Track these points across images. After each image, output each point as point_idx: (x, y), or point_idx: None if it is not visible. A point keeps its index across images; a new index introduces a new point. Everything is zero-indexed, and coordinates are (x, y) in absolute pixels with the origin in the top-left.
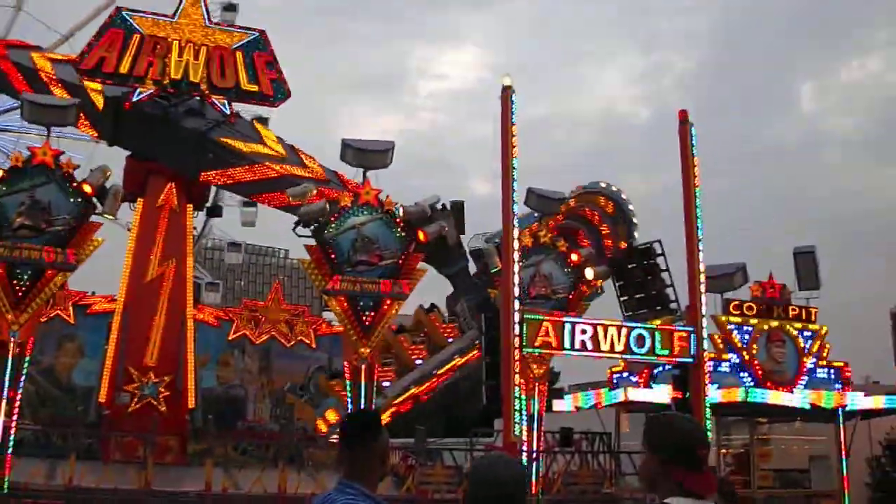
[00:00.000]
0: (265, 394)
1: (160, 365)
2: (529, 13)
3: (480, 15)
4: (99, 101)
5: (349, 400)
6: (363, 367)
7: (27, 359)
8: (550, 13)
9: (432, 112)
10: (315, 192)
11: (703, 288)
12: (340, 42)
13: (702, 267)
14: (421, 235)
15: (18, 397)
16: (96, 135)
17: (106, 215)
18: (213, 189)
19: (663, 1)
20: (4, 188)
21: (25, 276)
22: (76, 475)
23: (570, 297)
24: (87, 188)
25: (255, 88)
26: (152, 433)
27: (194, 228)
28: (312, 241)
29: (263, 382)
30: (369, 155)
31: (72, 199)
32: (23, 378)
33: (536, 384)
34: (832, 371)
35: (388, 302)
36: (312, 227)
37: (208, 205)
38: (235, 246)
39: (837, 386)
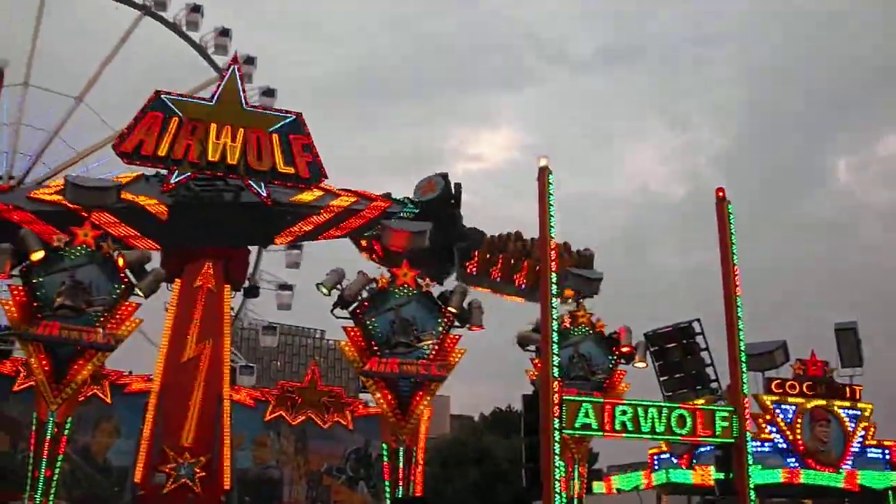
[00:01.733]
0: (301, 475)
1: (196, 445)
2: (562, 93)
3: (514, 96)
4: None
5: (389, 483)
6: (402, 448)
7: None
8: (583, 93)
9: (468, 193)
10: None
11: (744, 367)
12: (377, 123)
13: (742, 345)
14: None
15: (55, 476)
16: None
17: (144, 295)
18: (251, 269)
19: (694, 77)
20: (46, 269)
21: (65, 356)
22: None
23: (611, 377)
24: (122, 264)
25: (291, 171)
26: None
27: (231, 309)
28: (350, 323)
29: (299, 464)
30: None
31: (111, 280)
32: (60, 457)
33: (576, 466)
34: (885, 451)
35: (428, 383)
36: (350, 309)
37: (246, 285)
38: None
39: (887, 467)
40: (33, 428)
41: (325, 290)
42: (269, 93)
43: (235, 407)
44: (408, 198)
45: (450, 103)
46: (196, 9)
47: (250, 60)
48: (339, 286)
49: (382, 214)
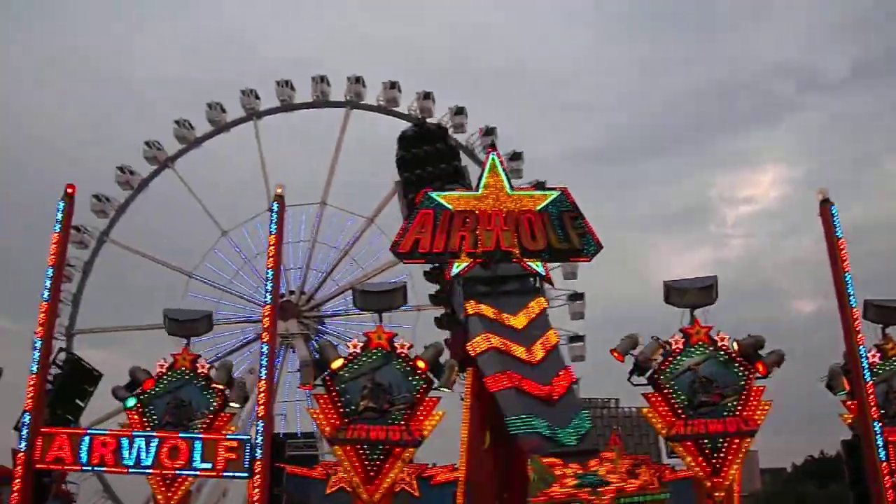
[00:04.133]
0: None
1: None
2: (820, 121)
3: (773, 131)
4: None
5: None
6: None
7: None
8: (842, 116)
9: (744, 238)
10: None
11: None
12: (635, 183)
13: None
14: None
15: None
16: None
17: (443, 389)
18: None
19: None
20: (348, 374)
21: (374, 456)
22: None
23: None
24: (422, 364)
25: (566, 246)
26: None
27: None
28: (649, 389)
29: None
30: (693, 292)
31: (409, 378)
32: None
33: None
34: None
35: (738, 441)
36: (648, 374)
37: None
38: (578, 338)
39: None
40: None
41: (617, 357)
42: (515, 157)
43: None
44: None
45: (710, 151)
46: (460, 111)
47: (490, 131)
48: (632, 352)
49: None
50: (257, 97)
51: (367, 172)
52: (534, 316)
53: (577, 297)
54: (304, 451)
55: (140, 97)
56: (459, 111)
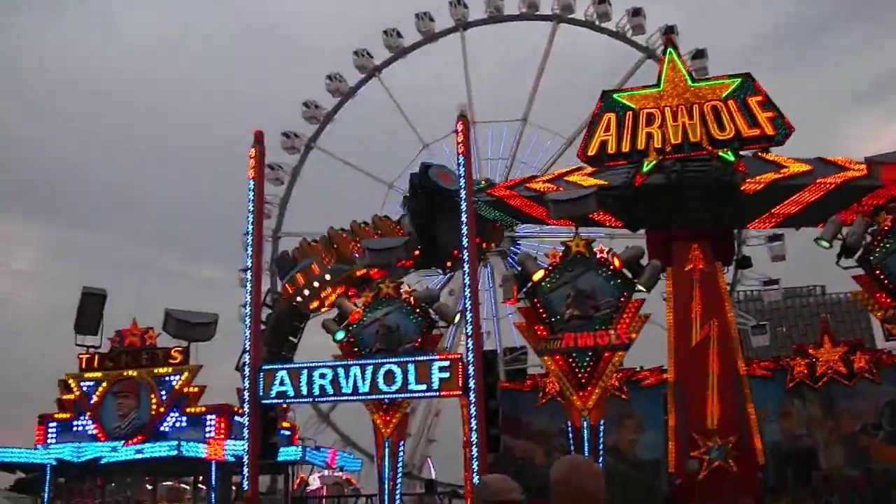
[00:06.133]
0: (835, 439)
1: (722, 426)
2: None
3: None
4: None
5: None
6: None
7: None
8: None
9: None
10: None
11: None
12: (825, 59)
13: None
14: None
15: None
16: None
17: (647, 290)
18: (736, 241)
19: None
20: (550, 285)
21: (584, 363)
22: None
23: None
24: (616, 263)
25: (756, 133)
26: (733, 496)
27: (727, 284)
28: (860, 271)
29: (830, 428)
30: None
31: (611, 282)
32: (600, 460)
33: None
34: None
35: None
36: (856, 256)
37: (736, 257)
38: (772, 282)
39: None
40: (570, 436)
41: (825, 244)
42: (699, 55)
43: (753, 381)
44: None
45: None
46: (637, 12)
47: (670, 29)
48: (839, 236)
49: None
50: (465, 6)
51: (570, 89)
52: None
53: (776, 238)
54: (512, 365)
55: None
56: (636, 12)
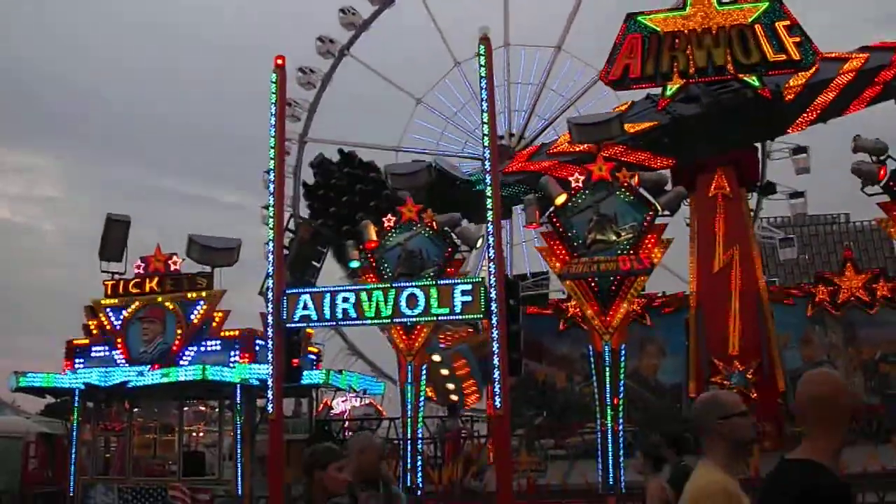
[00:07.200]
0: (856, 366)
1: (743, 352)
2: None
3: None
4: None
5: None
6: None
7: (622, 365)
8: None
9: None
10: None
11: None
12: None
13: None
14: None
15: (621, 402)
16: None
17: (669, 214)
18: (761, 168)
19: None
20: (572, 209)
21: (606, 288)
22: None
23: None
24: (637, 181)
25: (782, 58)
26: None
27: (751, 211)
28: (885, 198)
29: (851, 355)
30: None
31: (634, 207)
32: (621, 384)
33: None
34: None
35: None
36: (883, 183)
37: (760, 184)
38: (788, 241)
39: None
40: (591, 361)
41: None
42: None
43: (775, 307)
44: None
45: None
46: None
47: None
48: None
49: None
50: None
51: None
52: None
53: (800, 150)
54: (534, 290)
55: None
56: None
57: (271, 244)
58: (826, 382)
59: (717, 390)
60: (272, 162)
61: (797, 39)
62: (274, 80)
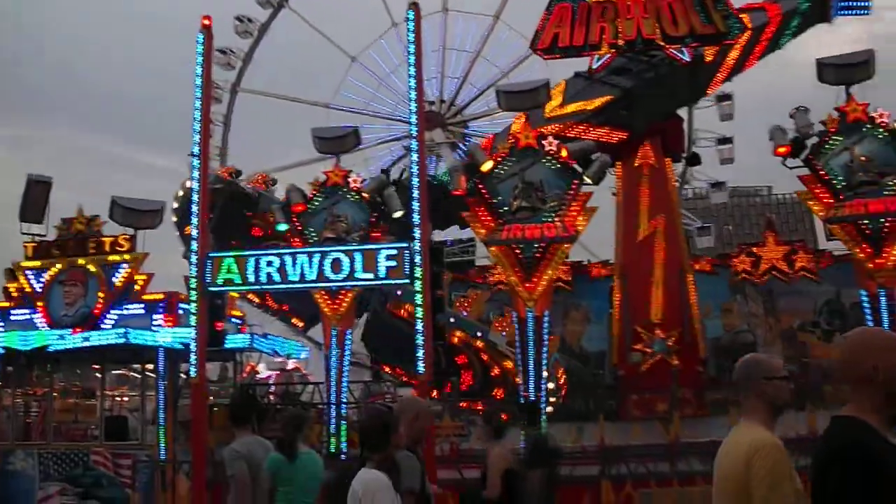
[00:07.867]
0: (775, 336)
1: (665, 321)
2: None
3: None
4: None
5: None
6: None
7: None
8: None
9: None
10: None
11: None
12: None
13: None
14: None
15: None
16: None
17: (593, 182)
18: (687, 139)
19: None
20: (498, 176)
21: (530, 254)
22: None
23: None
24: (564, 153)
25: (710, 30)
26: (674, 388)
27: (676, 181)
28: (805, 171)
29: (771, 324)
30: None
31: (559, 175)
32: (544, 350)
33: None
34: None
35: None
36: (803, 156)
37: (685, 155)
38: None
39: None
40: (515, 326)
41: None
42: None
43: (697, 276)
44: None
45: None
46: None
47: None
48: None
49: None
50: None
51: None
52: None
53: (724, 98)
54: (459, 256)
55: None
56: None
57: (195, 206)
58: (849, 344)
59: (759, 353)
60: (198, 123)
61: (724, 12)
62: (201, 40)
